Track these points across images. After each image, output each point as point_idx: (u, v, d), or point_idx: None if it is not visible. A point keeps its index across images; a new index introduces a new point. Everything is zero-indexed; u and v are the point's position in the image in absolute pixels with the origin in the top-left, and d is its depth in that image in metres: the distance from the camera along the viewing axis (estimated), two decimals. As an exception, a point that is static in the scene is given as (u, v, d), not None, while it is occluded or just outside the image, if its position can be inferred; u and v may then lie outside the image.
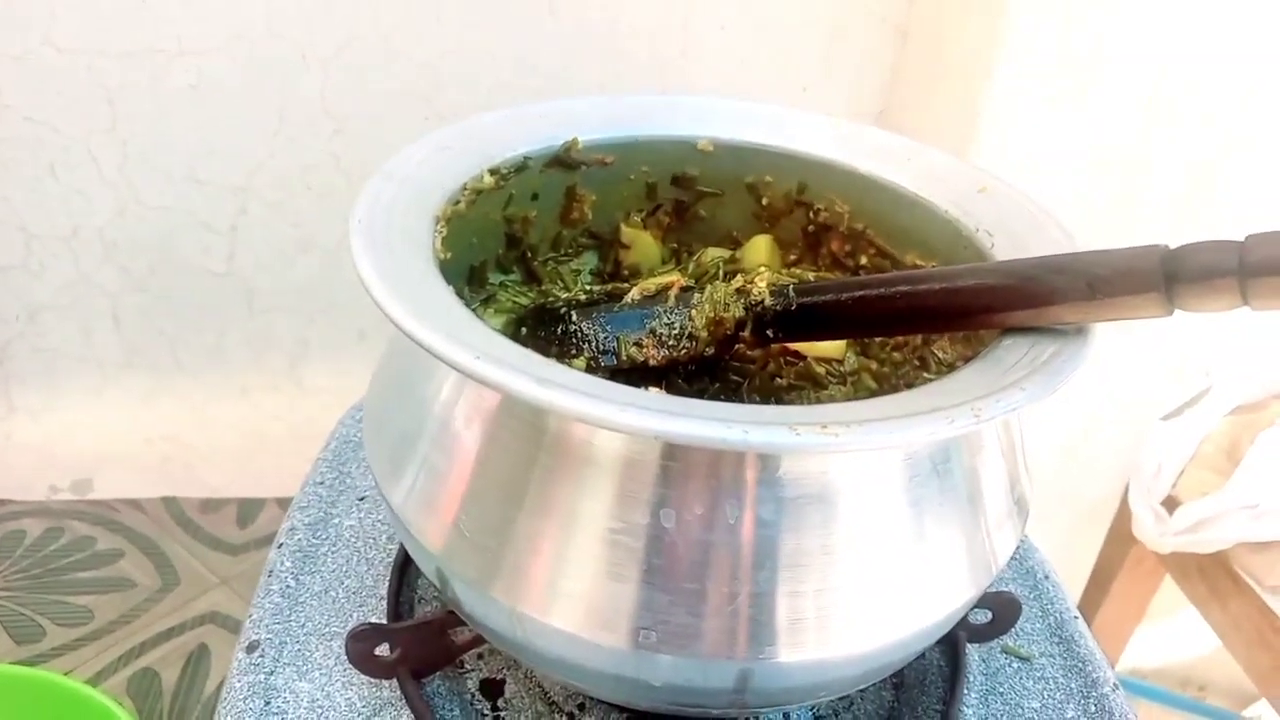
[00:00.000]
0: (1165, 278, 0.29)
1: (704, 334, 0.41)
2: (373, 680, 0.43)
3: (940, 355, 0.43)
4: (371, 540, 0.51)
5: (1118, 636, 1.02)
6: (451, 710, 0.43)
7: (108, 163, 0.83)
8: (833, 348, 0.44)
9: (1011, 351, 0.32)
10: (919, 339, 0.44)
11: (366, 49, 0.81)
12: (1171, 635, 1.12)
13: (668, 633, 0.31)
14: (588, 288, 0.48)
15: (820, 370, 0.44)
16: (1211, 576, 0.84)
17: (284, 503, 0.54)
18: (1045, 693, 0.45)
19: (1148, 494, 0.87)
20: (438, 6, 0.80)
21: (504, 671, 0.45)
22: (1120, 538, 0.95)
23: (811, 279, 0.45)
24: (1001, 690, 0.46)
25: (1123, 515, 0.94)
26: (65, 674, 0.74)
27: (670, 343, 0.41)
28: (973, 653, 0.47)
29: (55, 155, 0.82)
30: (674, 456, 0.30)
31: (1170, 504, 0.86)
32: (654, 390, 0.31)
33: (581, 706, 0.43)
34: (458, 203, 0.41)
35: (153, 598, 0.86)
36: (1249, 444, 0.84)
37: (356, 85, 0.82)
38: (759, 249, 0.49)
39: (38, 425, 0.95)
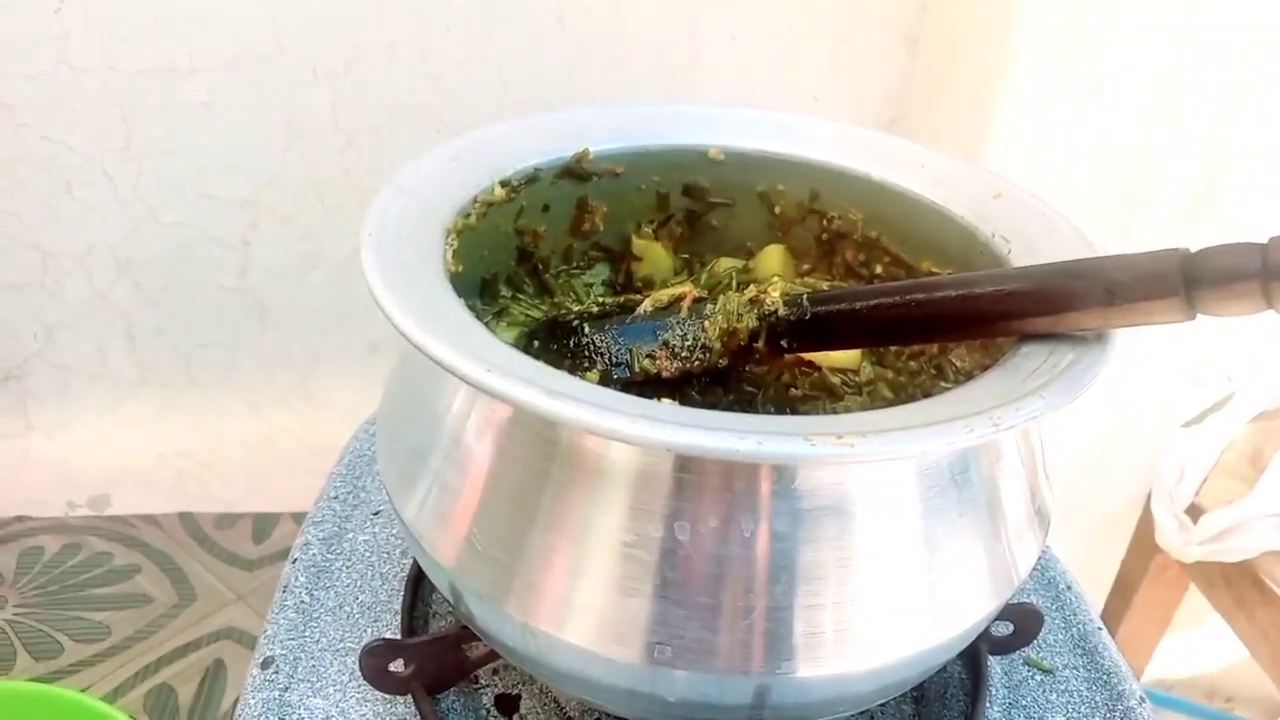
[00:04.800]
0: (1185, 282, 0.29)
1: (717, 345, 0.41)
2: (387, 696, 0.43)
3: (958, 364, 0.43)
4: (386, 555, 0.51)
5: (1143, 647, 1.01)
6: (466, 727, 0.42)
7: (122, 180, 0.84)
8: (848, 358, 0.43)
9: (1030, 359, 0.32)
10: (936, 348, 0.43)
11: (375, 63, 0.81)
12: (1198, 645, 1.10)
13: (682, 648, 0.31)
14: (600, 300, 0.48)
15: (836, 381, 0.43)
16: (1237, 585, 0.83)
17: (299, 517, 0.54)
18: (1069, 706, 0.45)
19: (1170, 502, 0.86)
20: (446, 19, 0.80)
21: (519, 686, 0.45)
22: (1143, 546, 0.94)
23: (825, 288, 0.44)
24: (1024, 704, 0.45)
25: (1145, 523, 0.93)
26: (82, 690, 0.74)
27: (683, 354, 0.41)
28: (994, 665, 0.46)
29: (70, 173, 0.83)
30: (687, 468, 0.30)
31: (1194, 512, 0.84)
32: (667, 402, 0.31)
33: (597, 722, 0.43)
34: (468, 215, 0.41)
35: (169, 613, 0.86)
36: (1273, 451, 0.83)
37: (366, 99, 0.82)
38: (772, 258, 0.49)
39: (54, 442, 0.95)
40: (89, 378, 0.93)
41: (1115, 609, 0.99)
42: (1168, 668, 1.10)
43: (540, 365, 0.30)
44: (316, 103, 0.82)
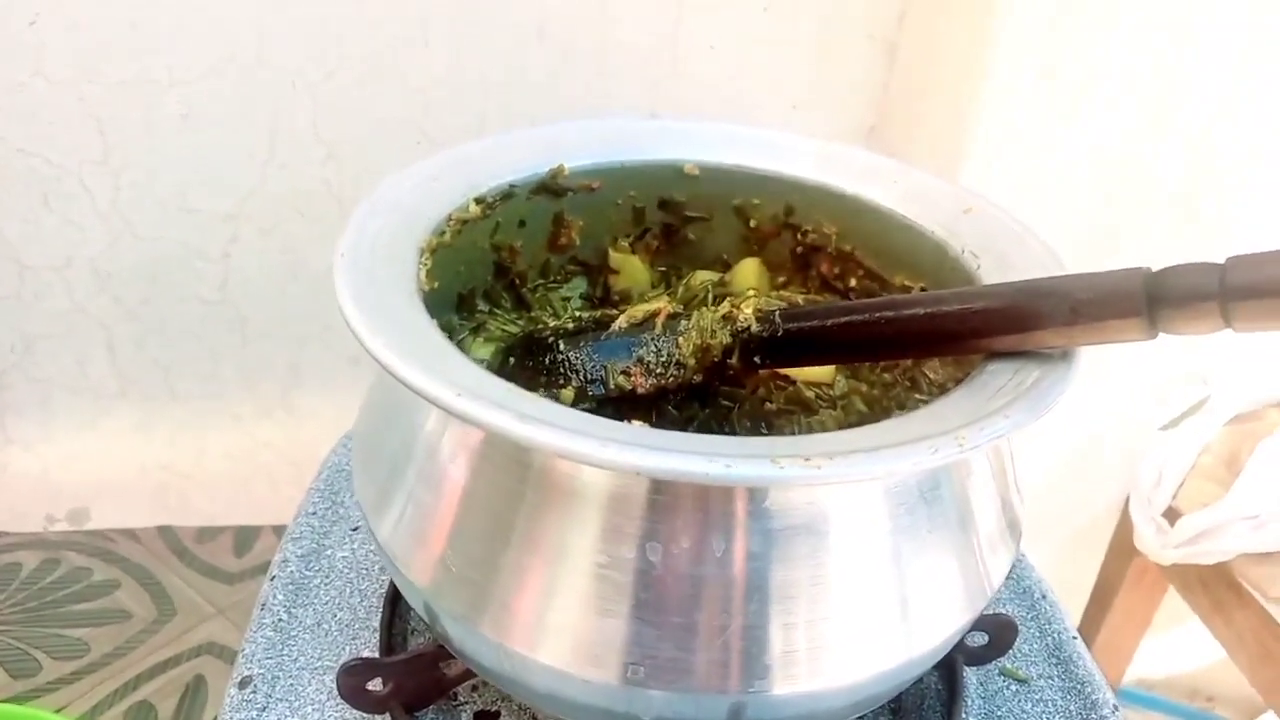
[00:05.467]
0: (1148, 301, 0.29)
1: (692, 361, 0.41)
2: (365, 715, 0.43)
3: (931, 376, 0.43)
4: (364, 571, 0.51)
5: (1123, 649, 1.02)
6: (444, 744, 0.42)
7: (100, 193, 0.83)
8: (822, 372, 0.44)
9: (996, 376, 0.32)
10: (909, 361, 0.43)
11: (356, 74, 0.81)
12: (1179, 645, 1.11)
13: (656, 668, 0.31)
14: (577, 314, 0.48)
15: (810, 395, 0.43)
16: (1214, 588, 0.84)
17: (280, 530, 0.54)
18: (1044, 715, 0.45)
19: (1148, 505, 0.87)
20: (426, 31, 0.80)
21: (498, 704, 0.45)
22: (1122, 550, 0.95)
23: (800, 302, 0.45)
24: (1000, 714, 0.45)
25: (1124, 527, 0.94)
26: (60, 709, 0.74)
27: (658, 371, 0.41)
28: (970, 676, 0.47)
29: (48, 186, 0.82)
30: (660, 490, 0.30)
31: (1171, 515, 0.85)
32: (637, 422, 0.31)
33: (576, 738, 0.43)
34: (443, 233, 0.41)
35: (149, 629, 0.86)
36: (1248, 454, 0.83)
37: (347, 111, 0.82)
38: (748, 272, 0.49)
39: (33, 456, 0.95)
40: (69, 390, 0.92)
41: (1095, 613, 1.00)
42: (1149, 668, 1.11)
43: (511, 388, 0.30)
44: (297, 114, 0.82)
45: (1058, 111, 0.78)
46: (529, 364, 0.43)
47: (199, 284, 0.88)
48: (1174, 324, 0.29)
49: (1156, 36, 0.76)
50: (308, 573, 0.50)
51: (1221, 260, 0.28)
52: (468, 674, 0.44)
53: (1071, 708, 0.45)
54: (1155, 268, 0.30)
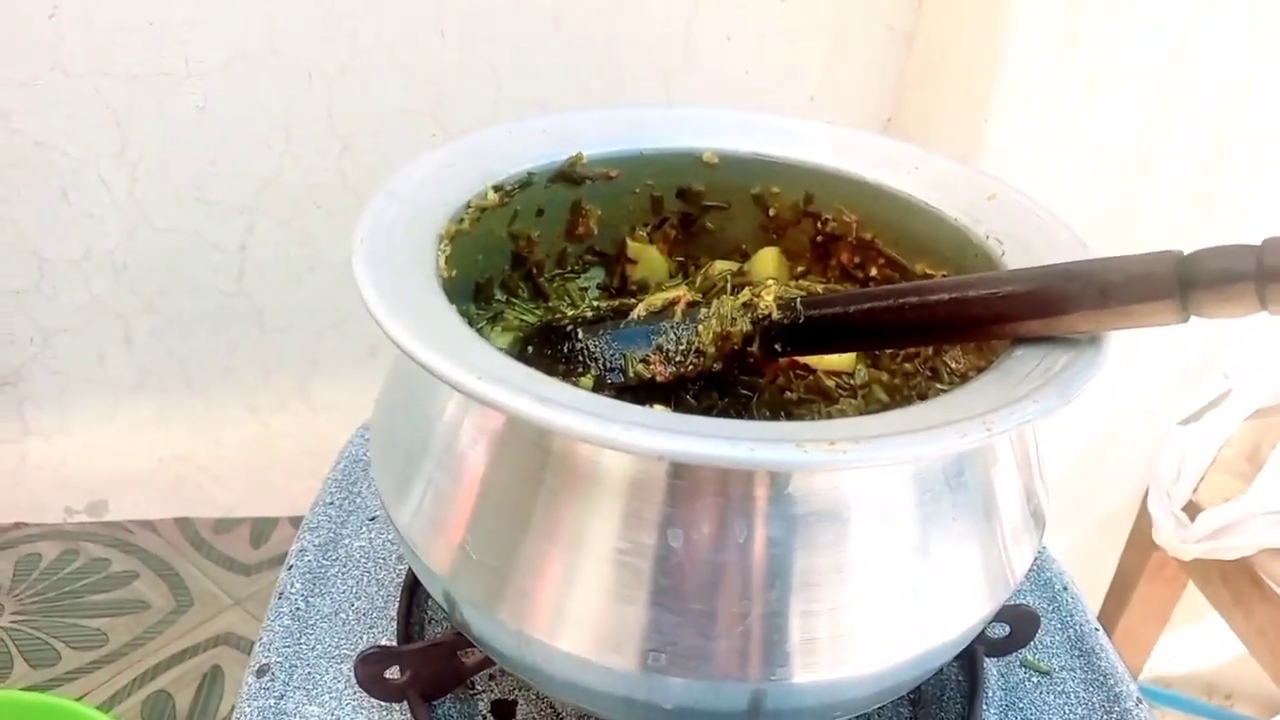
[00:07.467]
0: (1180, 284, 0.29)
1: (711, 349, 0.41)
2: (383, 703, 0.43)
3: (952, 365, 0.43)
4: (382, 561, 0.51)
5: (1141, 644, 1.01)
6: (462, 733, 0.42)
7: (117, 185, 0.83)
8: (843, 360, 0.43)
9: (1023, 362, 0.32)
10: (930, 349, 0.43)
11: (371, 66, 0.81)
12: (1196, 642, 1.10)
13: (677, 655, 0.31)
14: (595, 304, 0.48)
15: (830, 384, 0.43)
16: (1235, 583, 0.83)
17: (297, 521, 0.54)
18: (1066, 708, 0.45)
19: (1168, 500, 0.86)
20: (441, 22, 0.80)
21: (516, 692, 0.44)
22: (1141, 544, 0.94)
23: (820, 291, 0.44)
24: (1021, 706, 0.45)
25: (1143, 521, 0.93)
26: (79, 698, 0.74)
27: (678, 359, 0.41)
28: (991, 667, 0.46)
29: (66, 179, 0.83)
30: (680, 475, 0.30)
31: (1191, 509, 0.84)
32: (659, 408, 0.31)
33: (594, 728, 0.43)
34: (461, 221, 0.41)
35: (167, 619, 0.86)
36: (1270, 448, 0.82)
37: (362, 102, 0.82)
38: (767, 261, 0.49)
39: (52, 447, 0.95)
40: (87, 382, 0.93)
41: (1113, 606, 0.99)
42: (1166, 664, 1.10)
43: (532, 372, 0.30)
44: (312, 106, 0.82)
45: (1074, 101, 0.77)
46: (547, 352, 0.43)
47: (216, 276, 0.89)
48: (1207, 307, 0.28)
49: (1171, 23, 0.75)
50: (325, 562, 0.50)
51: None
52: (486, 662, 0.43)
53: (1094, 700, 0.45)
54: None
